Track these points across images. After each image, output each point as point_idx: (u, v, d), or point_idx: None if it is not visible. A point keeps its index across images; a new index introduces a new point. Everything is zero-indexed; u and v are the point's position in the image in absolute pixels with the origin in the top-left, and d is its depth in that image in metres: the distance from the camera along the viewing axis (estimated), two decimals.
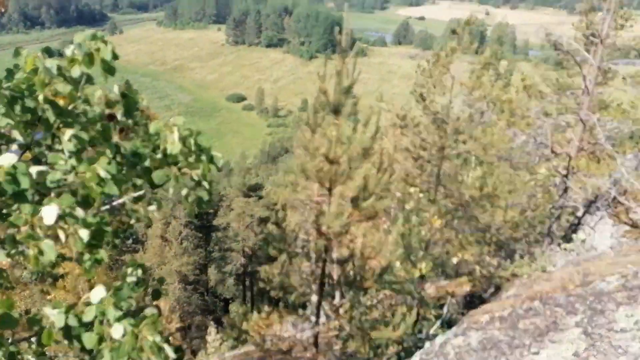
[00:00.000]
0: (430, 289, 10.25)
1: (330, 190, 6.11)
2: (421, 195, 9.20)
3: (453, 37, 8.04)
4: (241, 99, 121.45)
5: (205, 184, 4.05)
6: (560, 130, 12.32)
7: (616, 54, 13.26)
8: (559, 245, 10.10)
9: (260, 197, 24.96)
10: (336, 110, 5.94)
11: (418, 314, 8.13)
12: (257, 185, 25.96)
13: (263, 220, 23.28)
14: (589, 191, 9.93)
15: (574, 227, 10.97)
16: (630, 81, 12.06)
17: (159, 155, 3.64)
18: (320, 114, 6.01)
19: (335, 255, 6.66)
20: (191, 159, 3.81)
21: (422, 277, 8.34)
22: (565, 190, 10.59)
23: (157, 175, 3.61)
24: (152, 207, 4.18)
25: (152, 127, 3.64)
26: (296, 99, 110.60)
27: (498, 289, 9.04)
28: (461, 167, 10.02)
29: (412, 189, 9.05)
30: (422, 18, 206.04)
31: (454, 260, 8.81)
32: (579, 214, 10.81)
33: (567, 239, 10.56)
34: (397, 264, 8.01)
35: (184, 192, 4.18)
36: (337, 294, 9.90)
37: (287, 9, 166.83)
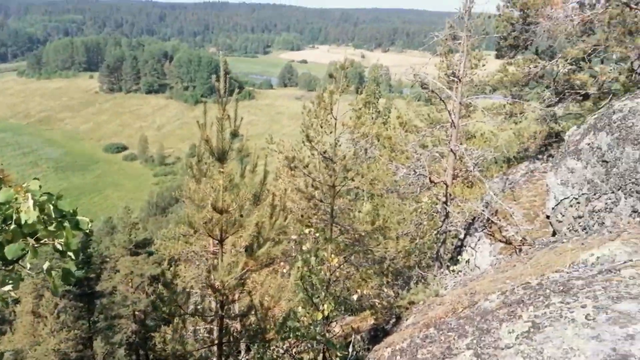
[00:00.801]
0: (335, 328, 10.16)
1: (221, 241, 5.77)
2: (317, 234, 9.21)
3: (331, 80, 8.37)
4: (121, 148, 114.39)
5: (71, 253, 3.57)
6: (436, 161, 13.38)
7: (474, 90, 14.93)
8: (447, 267, 10.74)
9: (150, 254, 23.10)
10: (221, 158, 5.71)
11: (324, 358, 7.95)
12: (146, 240, 24.05)
13: (155, 279, 21.52)
14: (466, 215, 10.80)
15: (458, 249, 11.81)
16: (488, 113, 13.59)
17: (12, 226, 3.18)
18: (204, 162, 5.73)
19: (233, 310, 6.26)
20: (52, 227, 3.35)
21: (327, 318, 8.22)
22: (447, 215, 11.41)
23: (10, 250, 3.12)
24: (7, 287, 3.64)
25: (1, 196, 3.14)
26: (183, 145, 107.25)
27: (399, 318, 9.26)
28: (353, 202, 10.31)
29: (307, 230, 9.02)
30: (304, 61, 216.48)
31: (355, 296, 8.86)
32: (461, 236, 11.68)
33: (454, 261, 11.31)
34: (300, 308, 7.80)
35: (46, 265, 3.68)
36: (242, 349, 9.29)
37: (167, 55, 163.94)
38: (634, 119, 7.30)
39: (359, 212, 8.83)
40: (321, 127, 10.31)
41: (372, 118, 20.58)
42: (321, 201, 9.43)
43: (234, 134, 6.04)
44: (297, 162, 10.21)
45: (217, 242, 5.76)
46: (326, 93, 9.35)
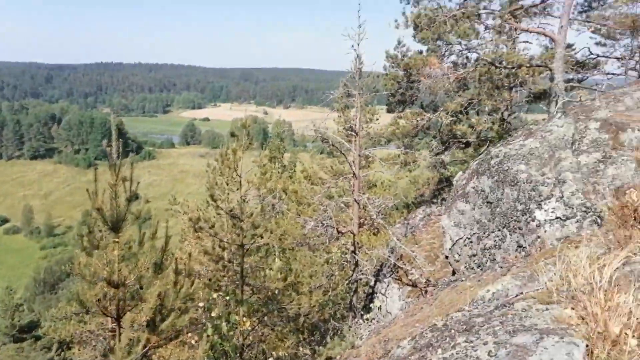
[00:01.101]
0: None
1: (118, 319, 5.24)
2: (227, 297, 8.80)
3: (232, 139, 8.38)
4: (2, 221, 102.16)
5: None
6: (343, 211, 13.75)
7: (371, 142, 15.85)
8: (361, 316, 10.82)
9: (38, 338, 20.30)
10: (115, 227, 5.30)
11: None
12: (32, 323, 21.18)
13: None
14: (374, 262, 11.11)
15: (370, 296, 12.02)
16: (385, 163, 14.43)
17: None
18: (96, 233, 5.27)
19: None
20: None
21: None
22: (356, 264, 11.64)
23: None
24: None
25: None
26: (75, 213, 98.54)
27: None
28: (263, 260, 10.10)
29: (216, 294, 8.58)
30: (206, 119, 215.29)
31: (271, 359, 8.48)
32: (372, 283, 11.94)
33: (367, 309, 11.44)
34: None
35: None
36: None
37: (55, 117, 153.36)
38: (509, 163, 8.18)
39: (270, 269, 8.65)
40: (227, 184, 10.15)
41: (278, 173, 20.79)
42: (230, 262, 9.12)
43: (131, 199, 5.68)
44: (202, 223, 9.85)
45: (113, 319, 5.22)
46: (230, 151, 9.30)
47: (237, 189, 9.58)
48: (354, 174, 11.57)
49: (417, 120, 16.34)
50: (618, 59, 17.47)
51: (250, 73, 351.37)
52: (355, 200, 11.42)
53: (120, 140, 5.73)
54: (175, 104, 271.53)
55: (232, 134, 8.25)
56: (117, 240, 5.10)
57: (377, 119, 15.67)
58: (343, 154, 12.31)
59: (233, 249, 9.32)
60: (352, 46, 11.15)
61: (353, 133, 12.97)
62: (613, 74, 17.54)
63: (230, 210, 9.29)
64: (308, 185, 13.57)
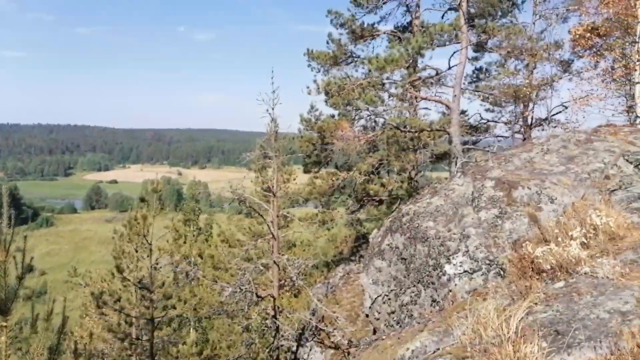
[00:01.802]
0: None
1: None
2: None
3: (142, 204, 7.98)
4: None
5: None
6: (262, 273, 13.42)
7: (289, 202, 15.93)
8: None
9: None
10: (4, 309, 4.66)
11: None
12: None
13: None
14: (295, 326, 10.82)
15: None
16: (304, 223, 14.53)
17: None
18: None
19: None
20: None
21: None
22: (277, 329, 11.24)
23: None
24: None
25: None
26: None
27: None
28: (176, 333, 9.39)
29: None
30: (114, 181, 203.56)
31: None
32: (294, 349, 11.53)
33: None
34: None
35: None
36: None
37: None
38: (418, 220, 8.62)
39: (184, 343, 8.05)
40: (136, 251, 9.51)
41: (194, 236, 19.97)
42: (138, 338, 8.34)
43: (24, 274, 5.08)
44: (106, 296, 9.02)
45: None
46: (139, 216, 8.81)
47: (148, 257, 9.02)
48: (273, 234, 11.47)
49: (333, 180, 16.86)
50: (505, 123, 19.75)
51: (163, 134, 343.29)
52: (275, 262, 11.24)
53: (13, 208, 5.20)
54: (78, 166, 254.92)
55: (142, 199, 7.86)
56: (5, 324, 4.47)
57: (295, 179, 15.89)
58: (261, 215, 12.22)
59: (142, 324, 8.58)
60: (267, 110, 11.44)
61: (271, 194, 12.99)
62: (502, 136, 19.73)
63: (139, 281, 8.66)
64: (225, 248, 13.15)
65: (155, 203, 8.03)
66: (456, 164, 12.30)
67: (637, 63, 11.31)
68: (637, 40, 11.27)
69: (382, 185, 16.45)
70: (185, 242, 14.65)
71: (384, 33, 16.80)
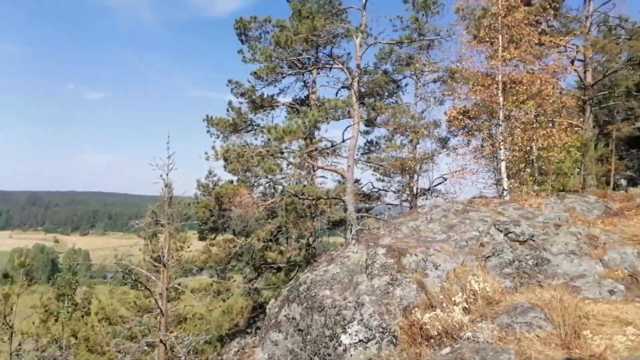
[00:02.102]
0: None
1: None
2: None
3: (6, 280, 6.93)
4: None
5: None
6: (147, 354, 12.15)
7: (182, 272, 15.00)
8: None
9: None
10: None
11: None
12: None
13: None
14: None
15: None
16: (197, 294, 13.69)
17: None
18: None
19: None
20: None
21: None
22: None
23: None
24: None
25: None
26: None
27: None
28: None
29: None
30: None
31: None
32: None
33: None
34: None
35: None
36: None
37: None
38: (315, 289, 8.58)
39: None
40: None
41: (67, 314, 17.67)
42: None
43: None
44: None
45: None
46: (1, 294, 7.59)
47: (8, 340, 7.71)
48: (161, 309, 10.57)
49: (230, 247, 16.36)
50: (394, 192, 21.17)
51: (40, 197, 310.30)
52: (162, 341, 10.28)
53: None
54: None
55: (5, 275, 6.84)
56: None
57: (189, 247, 15.17)
58: (148, 288, 11.28)
59: None
60: (161, 175, 10.98)
61: (161, 264, 12.15)
62: (392, 204, 21.04)
63: None
64: (105, 326, 11.77)
65: (21, 278, 7.00)
66: (351, 231, 12.73)
67: (502, 143, 13.04)
68: (500, 123, 13.08)
69: (281, 252, 16.32)
70: (56, 321, 12.84)
71: (283, 104, 17.53)
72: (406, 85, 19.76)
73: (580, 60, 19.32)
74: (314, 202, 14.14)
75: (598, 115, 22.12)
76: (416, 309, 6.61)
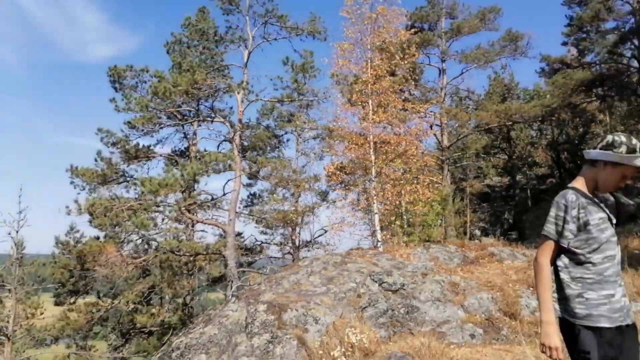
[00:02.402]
0: None
1: None
2: None
3: None
4: None
5: None
6: None
7: (33, 342, 12.94)
8: None
9: None
10: None
11: None
12: None
13: None
14: None
15: None
16: None
17: None
18: None
19: None
20: None
21: None
22: None
23: None
24: None
25: None
26: None
27: None
28: None
29: None
30: None
31: None
32: None
33: None
34: None
35: None
36: None
37: None
38: (190, 355, 7.98)
39: None
40: None
41: None
42: None
43: None
44: None
45: None
46: None
47: None
48: None
49: (93, 312, 14.59)
50: (277, 245, 21.14)
51: None
52: None
53: None
54: None
55: None
56: None
57: (42, 313, 13.30)
58: None
59: None
60: (10, 233, 9.58)
61: (4, 337, 10.35)
62: (274, 257, 20.92)
63: None
64: None
65: None
66: (232, 287, 12.27)
67: (375, 197, 13.96)
68: (373, 179, 14.06)
69: (152, 314, 14.98)
70: None
71: (161, 156, 16.78)
72: (288, 140, 20.42)
73: (438, 125, 21.95)
74: (191, 258, 13.42)
75: (454, 173, 25.04)
76: None
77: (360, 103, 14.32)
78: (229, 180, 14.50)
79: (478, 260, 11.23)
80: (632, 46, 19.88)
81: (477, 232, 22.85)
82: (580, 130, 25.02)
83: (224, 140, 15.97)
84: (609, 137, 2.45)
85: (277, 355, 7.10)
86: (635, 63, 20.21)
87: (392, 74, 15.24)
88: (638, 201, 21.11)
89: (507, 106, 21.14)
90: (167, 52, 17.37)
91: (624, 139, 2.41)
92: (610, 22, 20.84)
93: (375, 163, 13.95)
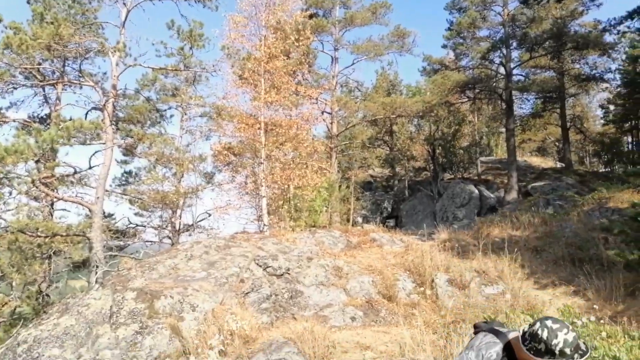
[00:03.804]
0: None
1: None
2: None
3: None
4: None
5: None
6: None
7: None
8: None
9: None
10: None
11: None
12: None
13: None
14: None
15: None
16: None
17: None
18: None
19: None
20: None
21: None
22: None
23: None
24: None
25: None
26: None
27: None
28: None
29: None
30: None
31: None
32: None
33: None
34: None
35: None
36: None
37: None
38: (39, 349, 6.85)
39: None
40: None
41: None
42: None
43: None
44: None
45: None
46: None
47: None
48: None
49: None
50: (154, 228, 19.61)
51: None
52: None
53: None
54: None
55: None
56: None
57: None
58: None
59: None
60: None
61: None
62: (151, 241, 19.38)
63: None
64: None
65: None
66: (97, 274, 10.92)
67: (263, 180, 13.54)
68: (262, 161, 13.60)
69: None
70: None
71: (14, 121, 14.30)
72: (171, 116, 18.95)
73: (328, 113, 22.20)
74: (47, 239, 11.63)
75: (341, 161, 25.69)
76: (167, 359, 5.85)
77: (252, 81, 13.70)
78: (96, 152, 12.79)
79: (360, 245, 11.48)
80: (501, 54, 22.10)
81: (360, 219, 23.76)
82: (453, 128, 27.31)
83: (94, 108, 14.08)
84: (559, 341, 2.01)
85: (145, 347, 6.36)
86: (502, 70, 22.53)
87: (287, 55, 14.86)
88: (498, 195, 23.57)
89: (393, 99, 22.13)
90: (28, 2, 14.80)
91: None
92: (485, 30, 22.97)
93: (265, 145, 13.50)
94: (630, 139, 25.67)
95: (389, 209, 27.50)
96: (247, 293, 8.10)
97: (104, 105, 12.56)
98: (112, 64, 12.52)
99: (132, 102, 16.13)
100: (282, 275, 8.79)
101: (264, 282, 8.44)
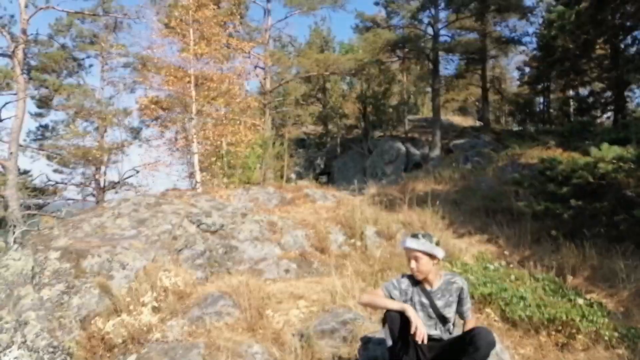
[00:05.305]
0: None
1: None
2: None
3: None
4: None
5: None
6: None
7: None
8: None
9: None
10: None
11: None
12: None
13: None
14: None
15: None
16: None
17: None
18: None
19: None
20: None
21: None
22: None
23: None
24: None
25: None
26: None
27: None
28: None
29: None
30: None
31: None
32: None
33: None
34: None
35: None
36: None
37: None
38: None
39: None
40: None
41: None
42: None
43: None
44: None
45: None
46: None
47: None
48: None
49: None
50: (76, 185, 18.52)
51: None
52: None
53: None
54: None
55: None
56: None
57: None
58: None
59: None
60: None
61: None
62: (73, 199, 18.33)
63: None
64: None
65: None
66: (14, 234, 10.24)
67: (194, 136, 13.15)
68: (193, 117, 13.15)
69: None
70: None
71: None
72: (90, 66, 17.55)
73: (261, 68, 21.68)
74: None
75: (275, 118, 25.45)
76: (97, 317, 5.76)
77: (179, 31, 12.97)
78: (7, 103, 11.67)
79: (294, 201, 11.68)
80: (430, 14, 22.56)
81: (293, 176, 23.98)
82: (383, 87, 27.86)
83: (2, 55, 12.65)
84: None
85: (73, 306, 6.19)
86: (430, 30, 23.08)
87: (217, 4, 14.15)
88: (423, 152, 24.67)
89: (326, 56, 22.04)
90: None
91: None
92: None
93: (196, 100, 13.02)
94: (542, 100, 27.71)
95: (322, 166, 27.97)
96: (180, 250, 8.05)
97: (13, 51, 11.31)
98: (21, 5, 11.18)
99: (46, 49, 14.68)
100: (216, 231, 8.80)
101: (198, 238, 8.41)
